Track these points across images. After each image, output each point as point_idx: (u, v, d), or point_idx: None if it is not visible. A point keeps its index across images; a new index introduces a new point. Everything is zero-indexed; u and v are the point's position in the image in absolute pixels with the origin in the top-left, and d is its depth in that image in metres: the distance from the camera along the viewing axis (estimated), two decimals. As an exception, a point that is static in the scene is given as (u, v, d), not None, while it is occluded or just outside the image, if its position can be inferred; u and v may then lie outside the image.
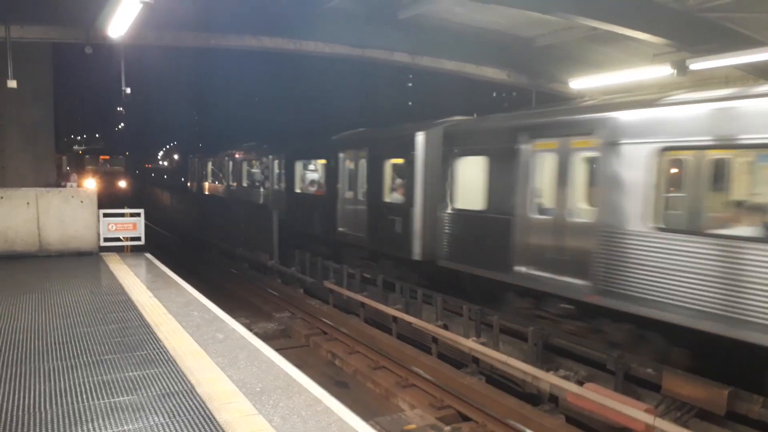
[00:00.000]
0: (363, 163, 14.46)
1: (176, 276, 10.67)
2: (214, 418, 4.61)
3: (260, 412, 4.75)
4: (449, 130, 11.76)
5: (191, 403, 4.87)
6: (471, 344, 9.43)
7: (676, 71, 12.57)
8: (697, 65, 12.20)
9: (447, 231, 11.49)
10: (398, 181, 13.50)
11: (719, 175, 7.48)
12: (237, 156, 24.88)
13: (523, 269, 9.53)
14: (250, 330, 7.72)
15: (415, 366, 9.55)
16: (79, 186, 15.53)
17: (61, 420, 4.52)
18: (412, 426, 7.76)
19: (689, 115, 7.38)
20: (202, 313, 7.91)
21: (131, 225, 13.19)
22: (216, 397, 5.01)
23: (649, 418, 6.56)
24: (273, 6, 12.86)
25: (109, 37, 10.91)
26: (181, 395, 5.04)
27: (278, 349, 6.70)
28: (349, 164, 15.23)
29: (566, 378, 8.17)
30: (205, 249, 23.47)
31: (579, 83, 15.90)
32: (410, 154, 12.40)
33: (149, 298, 8.70)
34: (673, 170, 7.88)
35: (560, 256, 8.93)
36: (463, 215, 11.08)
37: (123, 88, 14.59)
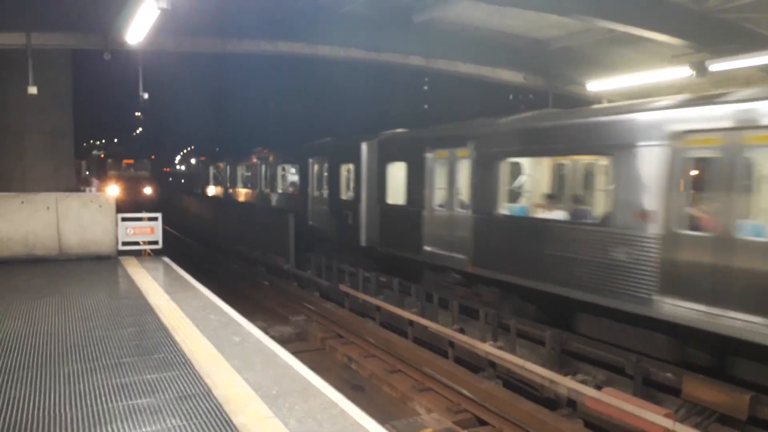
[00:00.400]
0: (326, 167, 17.44)
1: (193, 279, 10.74)
2: (231, 420, 4.62)
3: (276, 415, 4.75)
4: (382, 141, 14.58)
5: (208, 406, 4.89)
6: (488, 348, 9.39)
7: (695, 73, 12.44)
8: (716, 66, 12.06)
9: (381, 222, 14.32)
10: (350, 181, 15.99)
11: (538, 174, 11.05)
12: (234, 162, 28.15)
13: (429, 249, 12.35)
14: (267, 333, 7.72)
15: (431, 370, 9.52)
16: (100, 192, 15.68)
17: (80, 422, 4.56)
18: (429, 430, 7.71)
19: (513, 134, 10.71)
20: (218, 317, 7.94)
21: (149, 229, 13.29)
22: (232, 400, 5.02)
23: (668, 423, 6.47)
24: (288, 11, 12.92)
25: (127, 43, 11.04)
26: (197, 398, 5.06)
27: (294, 353, 6.71)
28: (317, 168, 18.16)
29: (584, 382, 8.10)
30: (213, 249, 23.94)
31: (596, 85, 15.81)
32: (358, 160, 15.17)
33: (167, 302, 8.76)
34: (513, 171, 11.00)
35: (451, 239, 11.72)
36: (391, 209, 13.88)
37: (140, 93, 14.75)
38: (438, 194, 12.22)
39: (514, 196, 11.17)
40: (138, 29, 10.06)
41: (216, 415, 4.72)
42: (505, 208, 10.63)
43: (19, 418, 4.62)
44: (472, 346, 9.75)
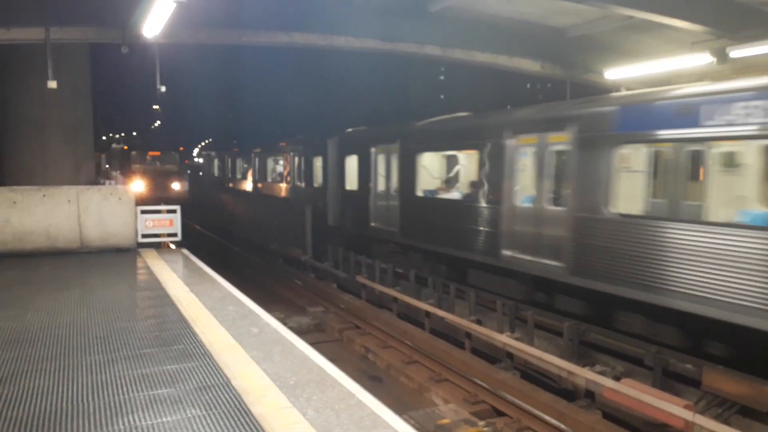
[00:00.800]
0: (303, 159, 20.63)
1: (212, 271, 10.84)
2: (249, 410, 4.67)
3: (294, 405, 4.79)
4: (341, 138, 17.49)
5: (227, 396, 4.95)
6: (505, 339, 9.36)
7: (715, 59, 12.22)
8: (737, 53, 11.83)
9: (341, 205, 17.16)
10: (320, 172, 18.90)
11: (439, 166, 14.01)
12: (234, 155, 31.36)
13: (374, 225, 15.10)
14: (285, 324, 7.78)
15: (448, 361, 9.52)
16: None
17: (102, 412, 4.64)
18: (446, 420, 7.74)
19: (421, 133, 13.88)
20: (237, 308, 8.01)
21: (168, 221, 13.42)
22: (251, 391, 5.08)
23: (688, 415, 6.41)
24: (303, 1, 12.89)
25: (144, 36, 11.11)
26: (217, 388, 5.12)
27: (312, 343, 6.76)
28: (297, 161, 21.36)
29: (602, 373, 8.05)
30: (230, 240, 24.67)
31: (614, 73, 15.60)
32: (325, 154, 18.11)
33: (186, 293, 8.85)
34: (426, 162, 13.74)
35: (387, 216, 14.46)
36: (348, 193, 16.71)
37: (158, 87, 14.83)
38: (380, 181, 15.01)
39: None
40: (154, 22, 10.12)
41: (235, 405, 4.78)
42: (420, 191, 13.40)
43: (42, 407, 4.71)
44: (489, 337, 9.74)
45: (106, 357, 5.93)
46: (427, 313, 11.47)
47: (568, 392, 8.42)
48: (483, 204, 11.14)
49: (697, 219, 7.45)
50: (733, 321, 6.96)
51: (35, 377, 5.38)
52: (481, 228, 11.08)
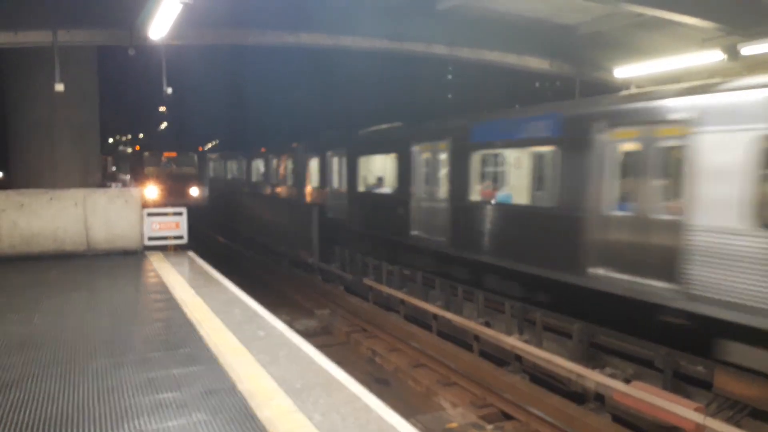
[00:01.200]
0: (277, 161, 23.90)
1: (218, 274, 10.81)
2: (255, 415, 4.63)
3: (300, 409, 4.75)
4: (306, 142, 20.42)
5: (233, 400, 4.91)
6: (514, 342, 9.29)
7: (726, 56, 12.09)
8: (749, 50, 11.71)
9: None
10: (295, 171, 21.67)
11: (373, 167, 16.46)
12: (226, 158, 34.10)
13: (331, 215, 17.59)
14: (291, 327, 7.73)
15: (456, 364, 9.46)
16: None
17: (108, 416, 4.62)
18: (454, 424, 7.68)
19: (361, 140, 16.69)
20: (243, 311, 7.98)
21: (174, 224, 13.42)
22: (257, 394, 5.03)
23: (699, 417, 6.33)
24: (310, 1, 12.84)
25: (150, 38, 11.11)
26: (223, 392, 5.08)
27: (319, 346, 6.70)
28: (275, 162, 24.50)
29: (612, 376, 7.96)
30: (235, 241, 24.70)
31: (624, 71, 15.48)
32: (295, 156, 21.29)
33: (192, 296, 8.82)
34: (366, 164, 16.37)
35: (340, 207, 16.95)
36: (314, 189, 19.47)
37: (164, 88, 14.85)
38: (334, 179, 17.79)
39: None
40: (161, 23, 10.11)
41: (241, 409, 4.74)
42: (361, 187, 16.07)
43: (48, 412, 4.69)
44: (497, 340, 9.66)
45: (112, 361, 5.90)
46: (435, 316, 11.41)
47: (578, 395, 8.33)
48: (399, 197, 13.82)
49: (507, 202, 10.79)
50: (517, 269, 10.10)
51: (42, 382, 5.36)
52: (398, 215, 13.66)
